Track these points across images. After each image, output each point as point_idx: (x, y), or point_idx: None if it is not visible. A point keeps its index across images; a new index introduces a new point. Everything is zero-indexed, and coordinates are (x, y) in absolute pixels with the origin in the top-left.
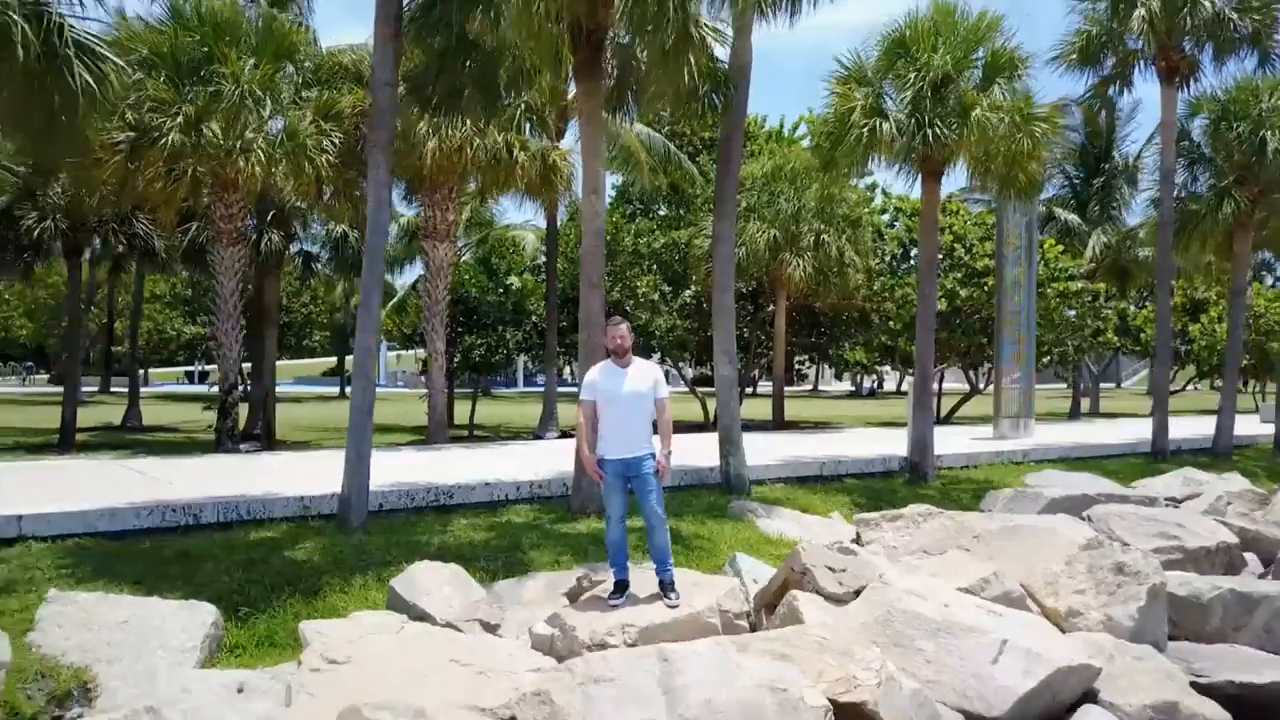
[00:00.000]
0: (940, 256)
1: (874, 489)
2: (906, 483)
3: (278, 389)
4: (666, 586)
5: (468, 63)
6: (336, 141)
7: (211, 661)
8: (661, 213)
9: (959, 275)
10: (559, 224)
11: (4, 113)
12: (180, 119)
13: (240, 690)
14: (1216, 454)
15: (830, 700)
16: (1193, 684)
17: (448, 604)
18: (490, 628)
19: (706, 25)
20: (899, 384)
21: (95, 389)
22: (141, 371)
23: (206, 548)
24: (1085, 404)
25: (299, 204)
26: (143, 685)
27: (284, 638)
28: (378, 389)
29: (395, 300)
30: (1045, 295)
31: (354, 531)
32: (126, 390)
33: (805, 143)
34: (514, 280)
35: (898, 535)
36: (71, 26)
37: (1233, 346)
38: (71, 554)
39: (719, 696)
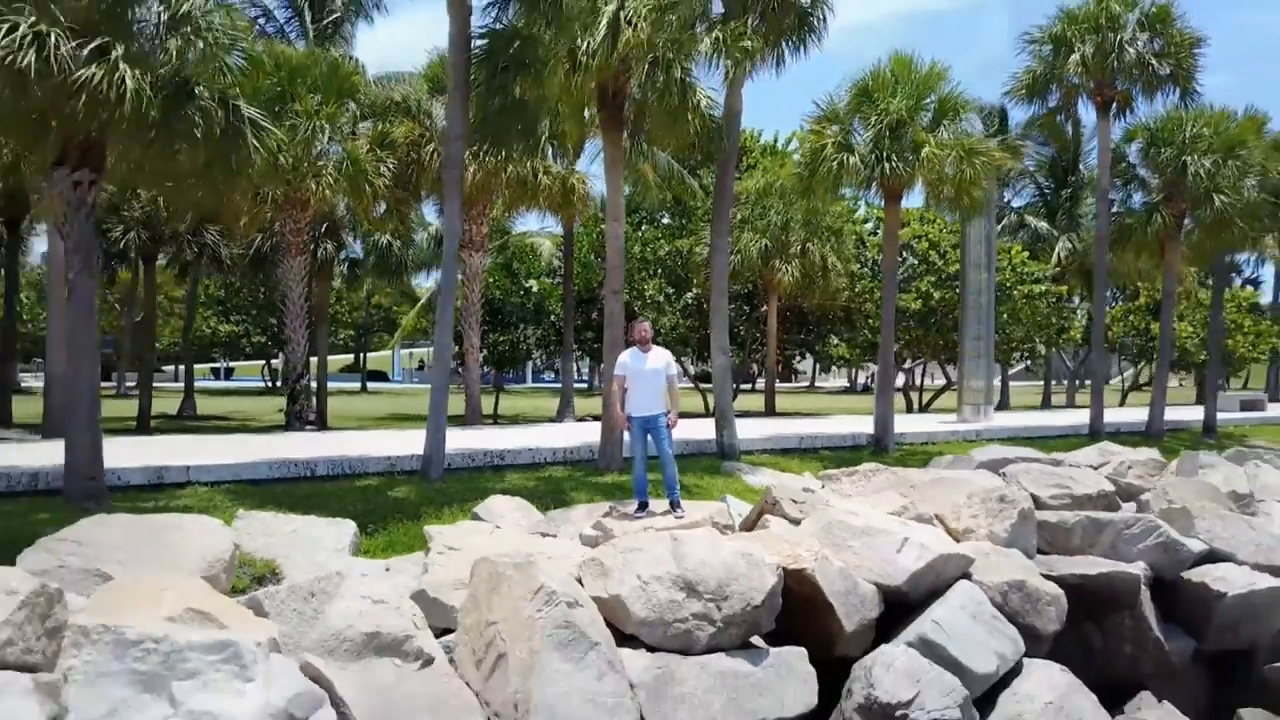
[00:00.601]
0: (916, 261)
1: (842, 457)
2: (871, 454)
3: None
4: (675, 505)
5: (515, 116)
6: (391, 167)
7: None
8: (665, 221)
9: (933, 279)
10: (574, 232)
11: (198, 171)
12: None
13: (387, 569)
14: (1149, 435)
15: (782, 567)
16: (1044, 575)
17: (517, 523)
18: (549, 537)
19: (703, 91)
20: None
21: (133, 383)
22: (172, 367)
23: (329, 491)
24: (1062, 398)
25: (348, 217)
26: (314, 570)
27: (401, 546)
28: (395, 384)
29: (423, 301)
30: (1013, 297)
31: (435, 481)
32: (163, 384)
33: (797, 157)
34: (533, 283)
35: (852, 485)
36: (246, 108)
37: (1164, 343)
38: (231, 493)
39: (709, 559)
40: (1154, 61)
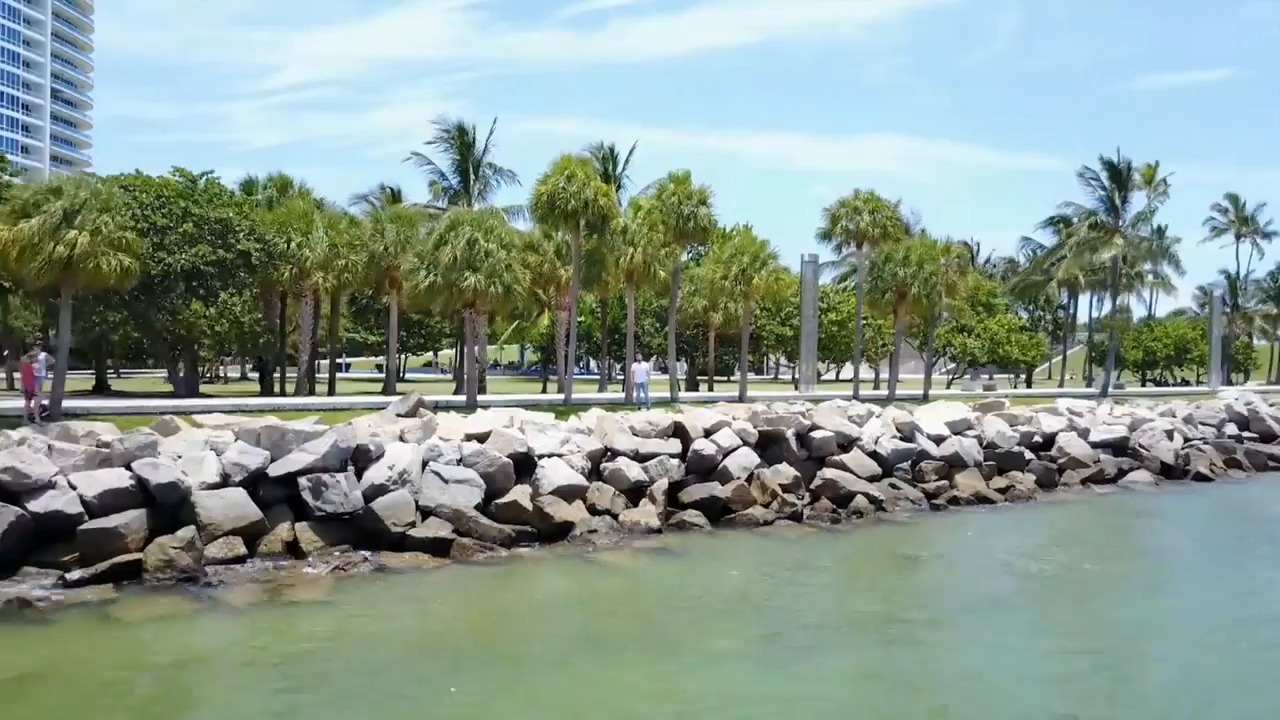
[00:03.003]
0: (792, 309)
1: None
2: (737, 403)
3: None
4: (648, 410)
5: (595, 277)
6: (526, 280)
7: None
8: None
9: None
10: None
11: (498, 304)
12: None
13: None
14: (887, 400)
15: (674, 421)
16: (757, 429)
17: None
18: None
19: (662, 269)
20: (838, 374)
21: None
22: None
23: (531, 406)
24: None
25: None
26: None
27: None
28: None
29: (515, 325)
30: (848, 327)
31: (570, 405)
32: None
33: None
34: (580, 319)
35: (714, 410)
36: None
37: (895, 355)
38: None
39: (656, 417)
40: (871, 228)
